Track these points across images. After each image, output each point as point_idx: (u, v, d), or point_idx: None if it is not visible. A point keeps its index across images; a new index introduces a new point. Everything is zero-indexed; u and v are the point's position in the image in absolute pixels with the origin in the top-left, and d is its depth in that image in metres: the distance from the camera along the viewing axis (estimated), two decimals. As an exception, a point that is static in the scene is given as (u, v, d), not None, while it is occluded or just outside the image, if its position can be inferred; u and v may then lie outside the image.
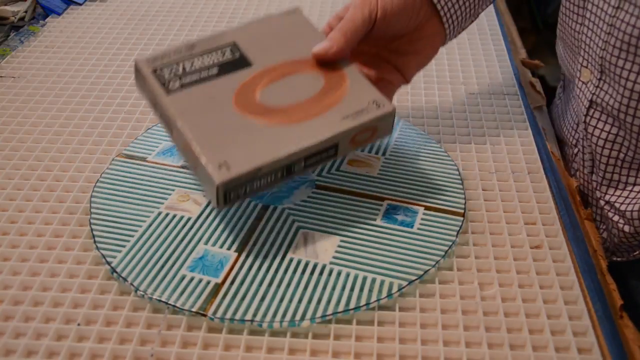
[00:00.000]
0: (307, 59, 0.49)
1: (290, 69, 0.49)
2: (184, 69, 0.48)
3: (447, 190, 0.52)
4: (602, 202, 0.57)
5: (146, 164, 0.55)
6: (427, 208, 0.50)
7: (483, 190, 0.53)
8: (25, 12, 0.84)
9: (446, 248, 0.46)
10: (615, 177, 0.55)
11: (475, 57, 0.73)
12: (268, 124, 0.45)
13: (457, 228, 0.48)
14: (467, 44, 0.75)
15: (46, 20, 0.83)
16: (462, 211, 0.50)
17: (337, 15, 0.50)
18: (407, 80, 0.52)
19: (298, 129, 0.45)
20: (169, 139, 0.48)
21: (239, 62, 0.49)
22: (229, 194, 0.43)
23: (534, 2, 1.67)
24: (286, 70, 0.49)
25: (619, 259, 0.58)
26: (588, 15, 0.53)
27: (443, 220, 0.49)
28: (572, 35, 0.57)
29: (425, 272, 0.45)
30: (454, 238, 0.47)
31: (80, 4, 0.87)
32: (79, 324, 0.42)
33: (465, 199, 0.51)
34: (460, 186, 0.53)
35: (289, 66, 0.49)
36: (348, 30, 0.48)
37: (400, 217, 0.49)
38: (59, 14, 0.84)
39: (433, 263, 0.45)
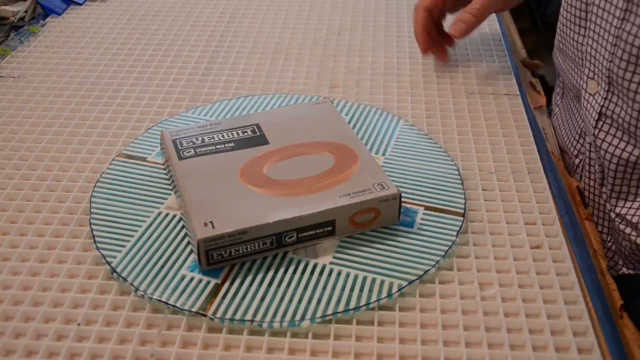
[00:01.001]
0: (324, 142, 0.51)
1: (303, 150, 0.50)
2: (202, 141, 0.51)
3: (447, 190, 0.52)
4: (612, 215, 0.56)
5: (146, 164, 0.55)
6: (427, 208, 0.50)
7: (483, 190, 0.53)
8: (25, 12, 0.84)
9: (446, 248, 0.46)
10: (625, 189, 0.54)
11: (475, 57, 0.73)
12: (266, 194, 0.46)
13: (457, 228, 0.48)
14: (467, 44, 0.75)
15: (46, 20, 0.83)
16: (462, 211, 0.50)
17: (421, 25, 0.61)
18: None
19: (294, 200, 0.46)
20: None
21: (256, 140, 0.51)
22: (211, 254, 0.43)
23: (534, 2, 1.67)
24: (299, 150, 0.50)
25: (631, 272, 0.57)
26: (592, 26, 0.52)
27: (443, 220, 0.49)
28: (575, 47, 0.56)
29: (425, 272, 0.45)
30: (454, 238, 0.47)
31: (80, 4, 0.87)
32: (79, 324, 0.42)
33: (465, 199, 0.51)
34: (460, 186, 0.53)
35: (304, 147, 0.51)
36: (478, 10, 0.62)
37: (400, 217, 0.49)
38: (59, 14, 0.84)
39: (433, 263, 0.45)
